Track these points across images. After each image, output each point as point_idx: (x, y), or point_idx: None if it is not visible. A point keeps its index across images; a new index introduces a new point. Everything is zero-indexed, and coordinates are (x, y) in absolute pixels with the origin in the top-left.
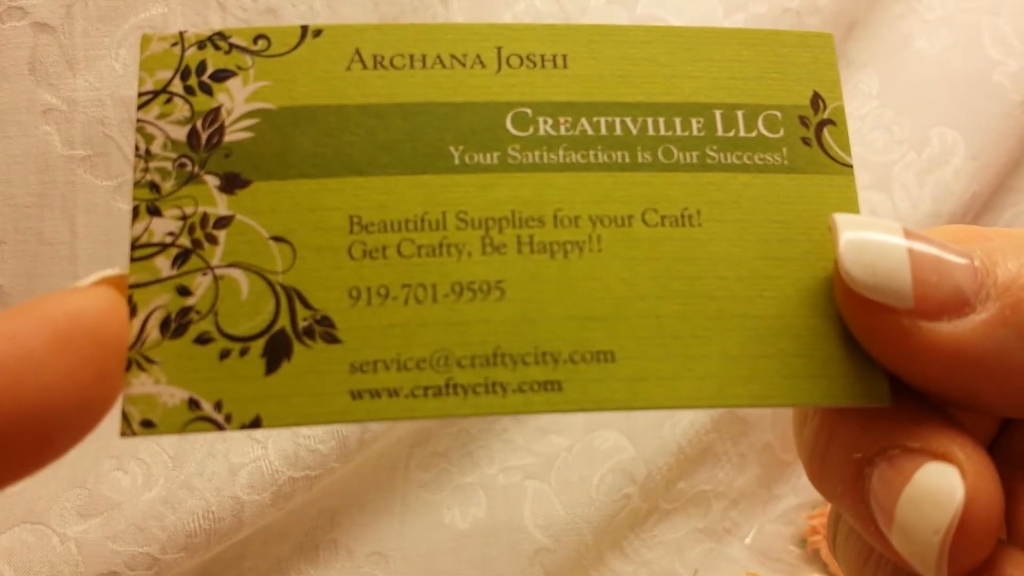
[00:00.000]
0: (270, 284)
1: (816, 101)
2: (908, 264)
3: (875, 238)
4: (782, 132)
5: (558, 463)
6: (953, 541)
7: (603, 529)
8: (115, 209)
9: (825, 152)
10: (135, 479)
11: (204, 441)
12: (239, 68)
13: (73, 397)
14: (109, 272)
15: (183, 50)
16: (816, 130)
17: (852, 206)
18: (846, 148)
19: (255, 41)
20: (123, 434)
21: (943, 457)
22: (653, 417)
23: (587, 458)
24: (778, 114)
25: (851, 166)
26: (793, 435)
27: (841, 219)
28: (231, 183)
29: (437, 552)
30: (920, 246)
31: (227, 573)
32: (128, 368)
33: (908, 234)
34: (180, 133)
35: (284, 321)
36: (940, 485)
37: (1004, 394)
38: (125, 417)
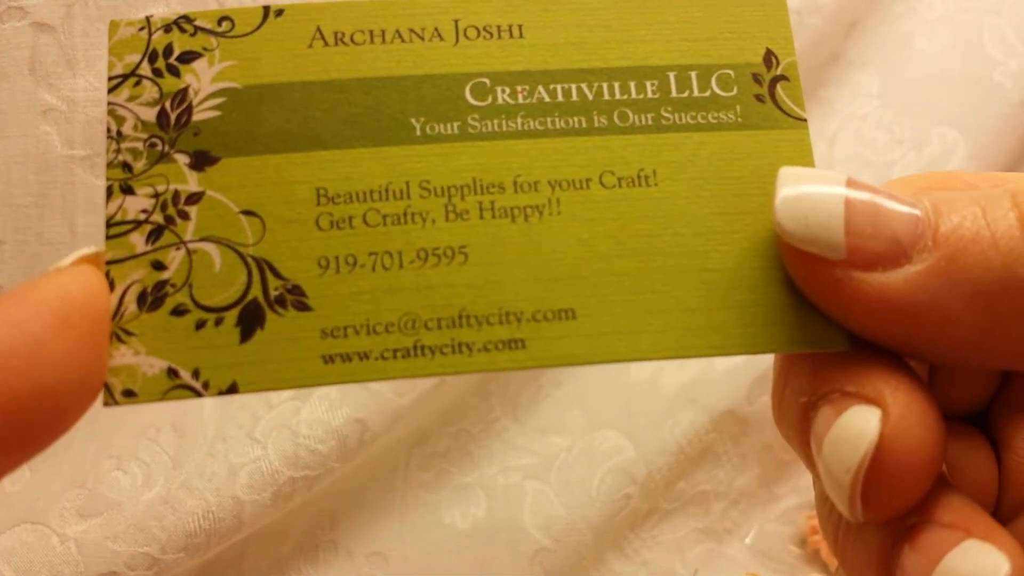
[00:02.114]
0: (241, 256)
1: (769, 58)
2: (842, 215)
3: (811, 190)
4: (735, 90)
5: (558, 463)
6: (866, 481)
7: (603, 529)
8: None
9: (779, 107)
10: (135, 479)
11: (204, 441)
12: (205, 49)
13: (77, 372)
14: (87, 250)
15: (150, 34)
16: (769, 86)
17: (806, 158)
18: (799, 102)
19: (219, 23)
20: (106, 403)
21: (872, 400)
22: (653, 417)
23: (587, 458)
24: (731, 73)
25: (805, 120)
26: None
27: (783, 172)
28: (201, 160)
29: (437, 552)
30: (860, 195)
31: (227, 573)
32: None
33: (852, 184)
34: (150, 114)
35: (256, 291)
36: (858, 426)
37: (938, 344)
38: (107, 388)
